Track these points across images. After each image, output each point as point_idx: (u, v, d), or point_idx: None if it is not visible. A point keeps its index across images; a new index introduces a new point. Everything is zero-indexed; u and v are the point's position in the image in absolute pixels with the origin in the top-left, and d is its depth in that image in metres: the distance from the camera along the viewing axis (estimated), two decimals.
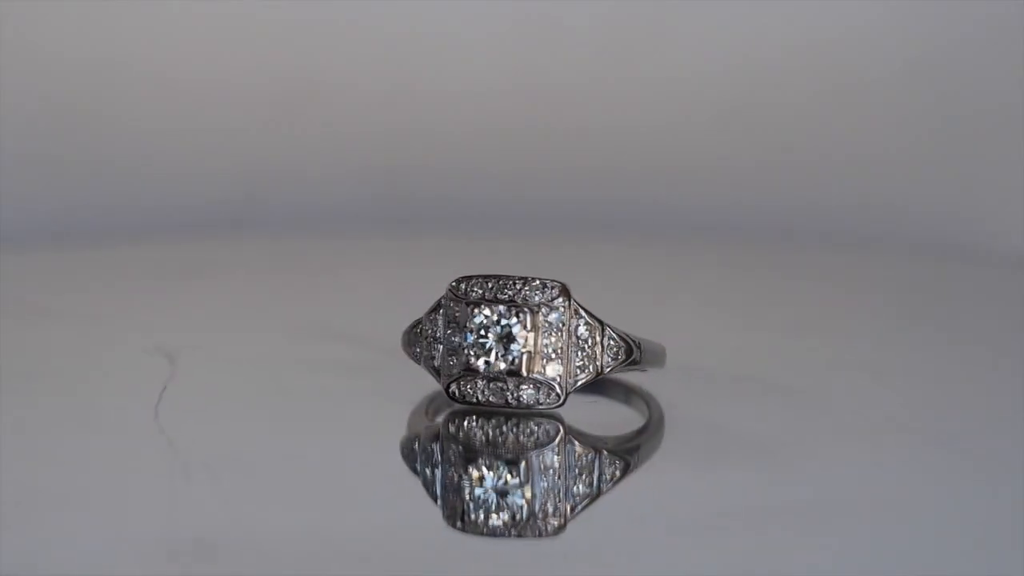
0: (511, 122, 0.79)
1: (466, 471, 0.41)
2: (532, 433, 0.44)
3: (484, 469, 0.41)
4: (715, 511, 0.39)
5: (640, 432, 0.45)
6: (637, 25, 0.79)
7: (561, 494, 0.40)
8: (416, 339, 0.45)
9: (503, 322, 0.43)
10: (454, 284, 0.44)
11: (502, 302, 0.43)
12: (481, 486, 0.40)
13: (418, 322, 0.45)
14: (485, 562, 0.37)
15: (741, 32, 0.79)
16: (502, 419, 0.44)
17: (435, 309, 0.44)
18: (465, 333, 0.43)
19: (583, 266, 0.70)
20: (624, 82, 0.79)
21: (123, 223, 0.76)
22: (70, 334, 0.56)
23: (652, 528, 0.39)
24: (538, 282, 0.44)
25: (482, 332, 0.43)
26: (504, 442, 0.43)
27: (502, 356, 0.43)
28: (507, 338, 0.43)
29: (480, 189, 0.78)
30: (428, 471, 0.42)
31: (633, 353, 0.44)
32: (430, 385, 0.46)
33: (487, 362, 0.43)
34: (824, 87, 0.79)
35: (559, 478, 0.41)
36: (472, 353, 0.43)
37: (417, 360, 0.45)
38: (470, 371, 0.43)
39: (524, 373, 0.43)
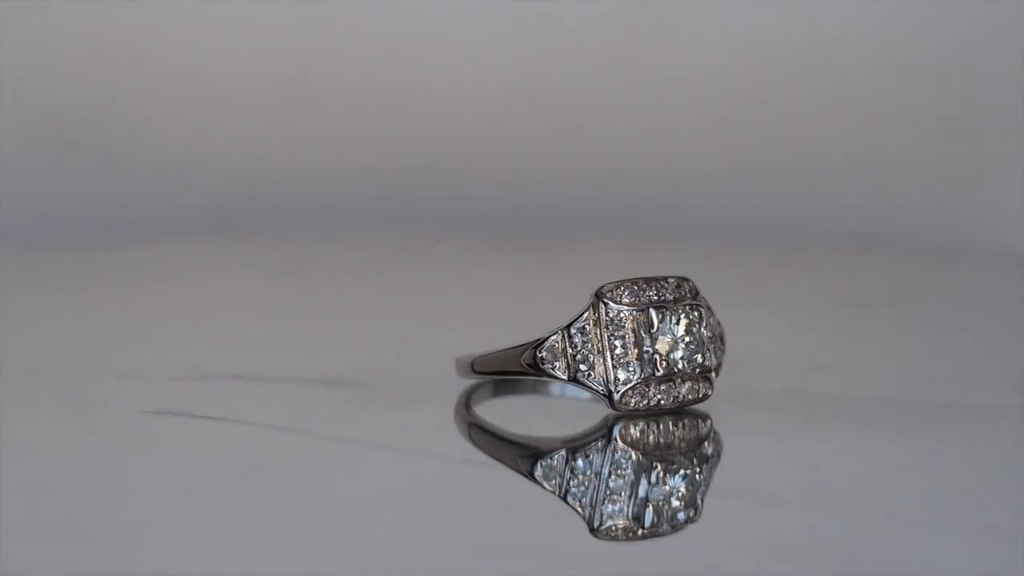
0: (512, 122, 0.79)
1: (656, 475, 0.41)
2: (696, 428, 0.44)
3: (671, 469, 0.41)
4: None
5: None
6: (637, 25, 0.79)
7: (708, 483, 0.41)
8: (555, 354, 0.43)
9: (691, 322, 0.43)
10: (605, 292, 0.43)
11: (671, 303, 0.43)
12: (677, 486, 0.40)
13: (543, 340, 0.43)
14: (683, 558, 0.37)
15: (741, 32, 0.79)
16: (661, 419, 0.44)
17: (573, 324, 0.43)
18: (651, 338, 0.43)
19: (583, 265, 0.70)
20: (624, 82, 0.79)
21: (123, 223, 0.76)
22: (70, 334, 0.56)
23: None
24: (673, 280, 0.44)
25: (670, 334, 0.43)
26: (679, 441, 0.43)
27: (696, 354, 0.43)
28: (697, 337, 0.43)
29: (480, 189, 0.78)
30: (587, 483, 0.40)
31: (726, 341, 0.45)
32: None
33: (676, 363, 0.43)
34: (824, 87, 0.79)
35: (711, 468, 0.42)
36: (663, 356, 0.43)
37: (553, 375, 0.43)
38: (656, 375, 0.43)
39: (711, 368, 0.43)
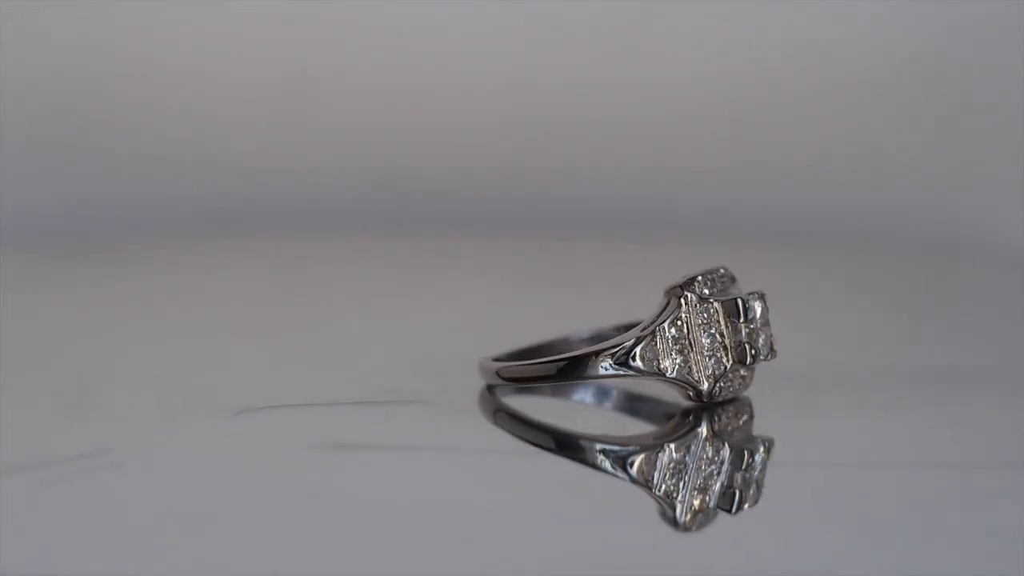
0: (511, 120, 0.79)
1: (743, 463, 0.41)
2: (747, 412, 0.45)
3: (752, 456, 0.42)
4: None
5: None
6: (638, 24, 0.79)
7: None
8: (655, 352, 0.43)
9: (762, 308, 0.44)
10: (688, 287, 0.43)
11: (740, 293, 0.44)
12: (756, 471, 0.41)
13: (640, 339, 0.43)
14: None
15: (741, 33, 0.79)
16: (724, 407, 0.44)
17: (666, 321, 0.43)
18: (736, 327, 0.43)
19: (583, 264, 0.70)
20: (624, 81, 0.79)
21: (122, 223, 0.76)
22: (71, 334, 0.56)
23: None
24: (720, 269, 0.44)
25: (754, 322, 0.44)
26: (740, 426, 0.44)
27: (769, 339, 0.44)
28: (767, 324, 0.44)
29: (479, 187, 0.78)
30: (677, 476, 0.41)
31: None
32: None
33: (760, 350, 0.44)
34: (824, 87, 0.79)
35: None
36: (752, 344, 0.43)
37: (644, 372, 0.43)
38: (744, 363, 0.43)
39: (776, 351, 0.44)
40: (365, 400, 0.47)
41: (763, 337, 0.44)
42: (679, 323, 0.43)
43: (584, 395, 0.47)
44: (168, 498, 0.39)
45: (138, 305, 0.60)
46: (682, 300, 0.43)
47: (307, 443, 0.43)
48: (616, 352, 0.43)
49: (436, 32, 0.79)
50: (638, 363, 0.43)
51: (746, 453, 0.42)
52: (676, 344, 0.43)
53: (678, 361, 0.43)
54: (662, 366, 0.43)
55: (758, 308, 0.44)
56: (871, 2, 0.79)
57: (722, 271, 0.44)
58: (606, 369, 0.43)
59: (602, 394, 0.46)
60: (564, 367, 0.44)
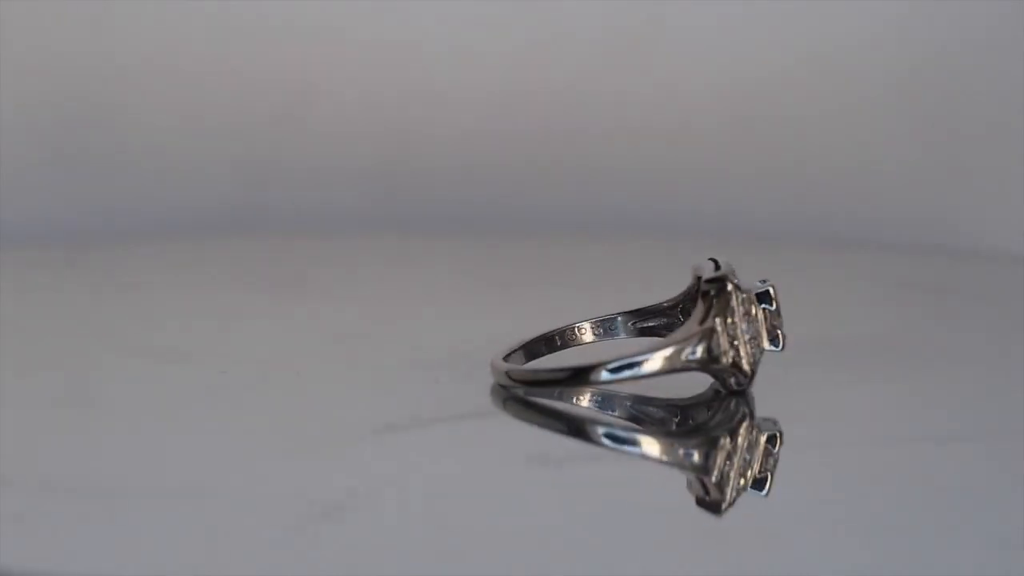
0: (511, 126, 0.79)
1: (775, 446, 0.42)
2: (754, 400, 0.45)
3: (782, 438, 0.43)
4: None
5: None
6: (639, 32, 0.79)
7: None
8: (719, 348, 0.43)
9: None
10: (729, 279, 0.44)
11: (751, 284, 0.45)
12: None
13: (705, 335, 0.43)
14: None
15: (743, 40, 0.79)
16: (748, 394, 0.45)
17: (721, 315, 0.44)
18: (768, 316, 0.44)
19: (583, 266, 0.70)
20: (626, 88, 0.79)
21: (122, 223, 0.77)
22: (70, 334, 0.56)
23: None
24: (728, 262, 0.45)
25: (779, 311, 0.44)
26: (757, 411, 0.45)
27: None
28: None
29: (478, 192, 0.78)
30: (726, 462, 0.41)
31: None
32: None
33: (785, 336, 0.45)
34: (825, 92, 0.79)
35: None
36: (783, 332, 0.44)
37: (706, 365, 0.44)
38: (776, 349, 0.44)
39: None
40: (469, 413, 0.46)
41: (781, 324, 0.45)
42: (731, 313, 0.44)
43: (589, 396, 0.47)
44: (464, 527, 0.38)
45: (139, 313, 0.60)
46: (731, 290, 0.43)
47: (502, 457, 0.43)
48: (684, 348, 0.43)
49: (441, 41, 0.79)
50: (699, 355, 0.43)
51: (778, 436, 0.42)
52: (729, 336, 0.44)
53: (730, 352, 0.44)
54: (722, 359, 0.43)
55: (776, 295, 0.44)
56: (872, 8, 0.79)
57: (728, 263, 0.45)
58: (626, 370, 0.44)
59: (607, 398, 0.46)
60: (571, 375, 0.44)
